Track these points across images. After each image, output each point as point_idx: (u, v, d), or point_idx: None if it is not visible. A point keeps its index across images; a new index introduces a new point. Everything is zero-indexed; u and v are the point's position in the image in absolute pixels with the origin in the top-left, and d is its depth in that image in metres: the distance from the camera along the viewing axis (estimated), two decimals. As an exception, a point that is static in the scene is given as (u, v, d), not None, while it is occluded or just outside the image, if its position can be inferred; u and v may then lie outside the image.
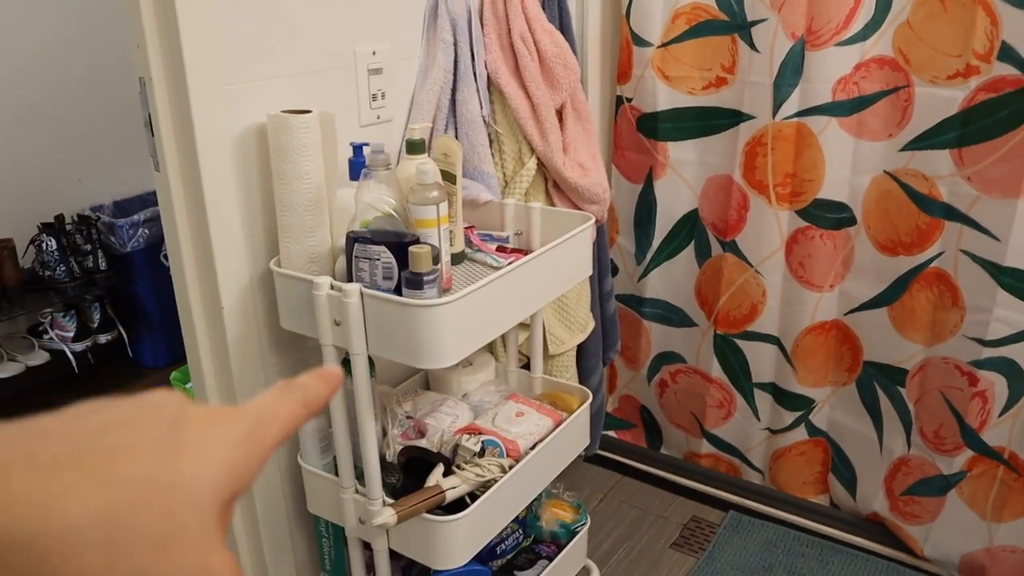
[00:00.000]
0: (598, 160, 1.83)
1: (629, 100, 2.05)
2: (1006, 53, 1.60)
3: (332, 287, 1.19)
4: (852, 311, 1.96)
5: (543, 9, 1.78)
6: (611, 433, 2.46)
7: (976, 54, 1.63)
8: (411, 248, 1.14)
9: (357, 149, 1.33)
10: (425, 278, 1.14)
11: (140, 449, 0.27)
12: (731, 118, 1.94)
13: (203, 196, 1.23)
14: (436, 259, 1.24)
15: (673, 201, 2.09)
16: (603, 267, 2.02)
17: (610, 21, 2.06)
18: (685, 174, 2.06)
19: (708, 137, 2.00)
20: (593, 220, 1.47)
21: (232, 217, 1.28)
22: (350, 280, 1.23)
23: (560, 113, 1.74)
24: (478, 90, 1.57)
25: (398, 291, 1.20)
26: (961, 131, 1.69)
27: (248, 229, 1.31)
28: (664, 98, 2.00)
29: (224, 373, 1.35)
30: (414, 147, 1.39)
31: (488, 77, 1.62)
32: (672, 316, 2.20)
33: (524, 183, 1.67)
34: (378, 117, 1.49)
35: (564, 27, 1.83)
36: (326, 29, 1.36)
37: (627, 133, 2.10)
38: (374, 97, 1.47)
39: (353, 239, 1.21)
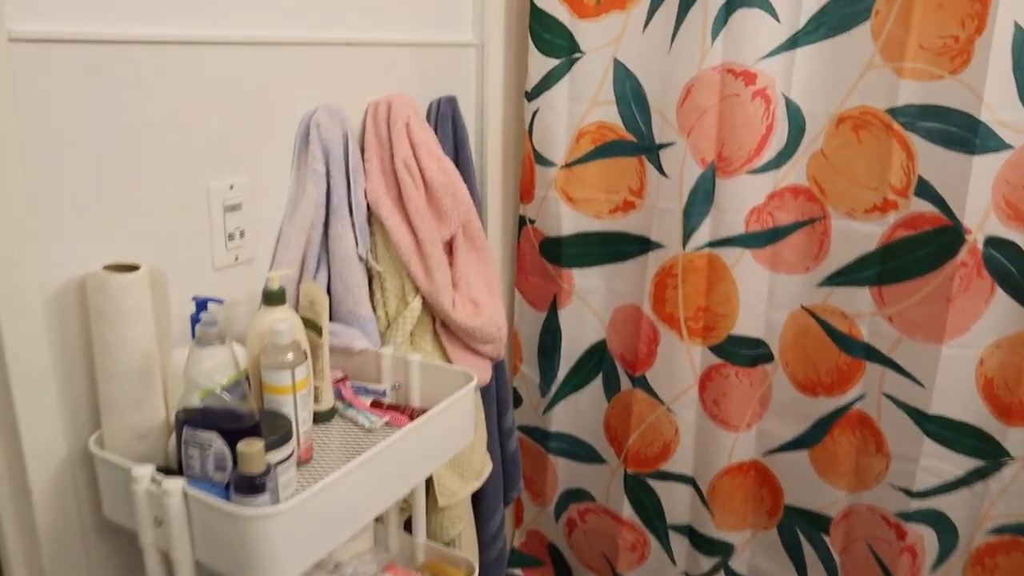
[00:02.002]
0: (495, 292, 1.67)
1: (532, 222, 1.91)
2: (924, 189, 1.50)
3: (153, 479, 0.99)
4: (771, 452, 1.81)
5: (436, 127, 1.63)
6: (517, 572, 2.26)
7: (893, 188, 1.53)
8: (239, 447, 0.94)
9: (201, 305, 1.14)
10: (257, 481, 0.94)
11: None
12: (639, 245, 1.81)
13: (5, 364, 1.02)
14: (285, 438, 1.05)
15: (579, 331, 1.94)
16: (503, 402, 1.85)
17: (513, 136, 1.93)
18: (591, 303, 1.91)
19: (615, 264, 1.86)
20: (475, 381, 1.30)
21: (45, 387, 1.07)
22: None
23: (451, 244, 1.58)
24: (353, 224, 1.40)
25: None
26: (880, 268, 1.58)
27: (67, 399, 1.10)
28: (568, 222, 1.86)
29: (35, 567, 1.13)
30: (272, 298, 1.21)
31: (369, 208, 1.46)
32: (579, 452, 2.03)
33: (408, 325, 1.50)
34: (236, 258, 1.30)
35: (459, 144, 1.68)
36: (171, 162, 1.17)
37: (530, 257, 1.94)
38: (231, 236, 1.28)
39: (182, 420, 1.02)
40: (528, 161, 1.86)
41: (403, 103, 1.48)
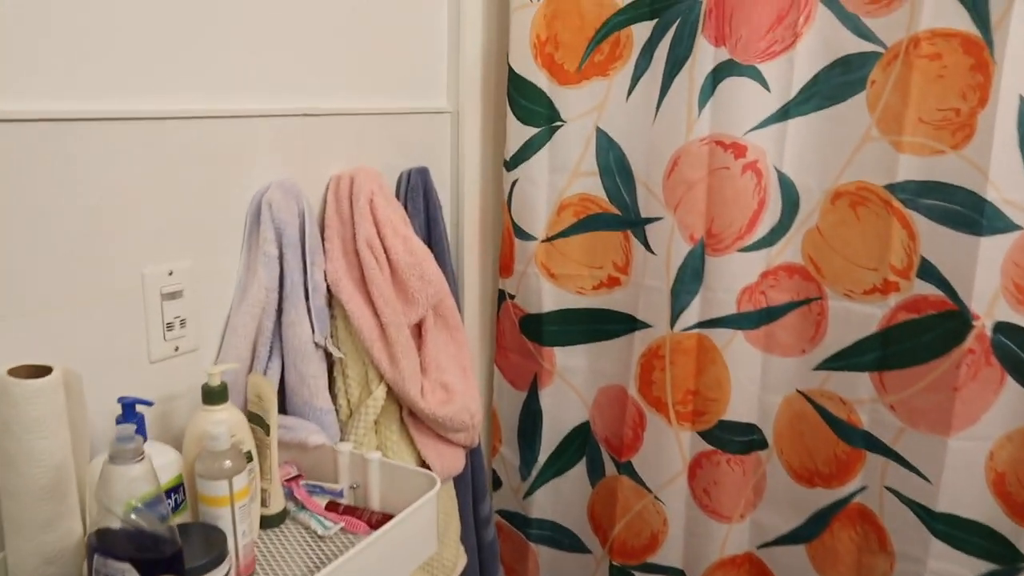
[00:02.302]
0: (469, 375, 1.55)
1: (512, 297, 1.80)
2: (927, 271, 1.40)
3: (59, 617, 0.87)
4: (766, 544, 1.69)
5: (406, 201, 1.54)
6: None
7: (894, 269, 1.42)
8: (151, 589, 0.83)
9: (127, 408, 1.03)
10: (171, 628, 0.82)
11: None
12: (625, 324, 1.70)
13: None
14: (218, 560, 0.94)
15: (561, 412, 1.82)
16: (479, 489, 1.73)
17: (491, 207, 1.83)
18: (574, 382, 1.79)
19: (600, 343, 1.75)
20: (438, 486, 1.19)
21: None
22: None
23: (420, 325, 1.47)
24: (310, 310, 1.29)
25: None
26: (882, 353, 1.47)
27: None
28: (550, 298, 1.75)
29: None
30: (211, 396, 1.10)
31: (329, 290, 1.35)
32: (562, 540, 1.90)
33: (371, 415, 1.38)
34: (176, 349, 1.19)
35: (431, 219, 1.59)
36: (102, 246, 1.07)
37: (510, 333, 1.83)
38: (170, 326, 1.18)
39: (92, 546, 0.90)
40: (507, 234, 1.76)
41: (367, 177, 1.39)
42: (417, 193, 1.56)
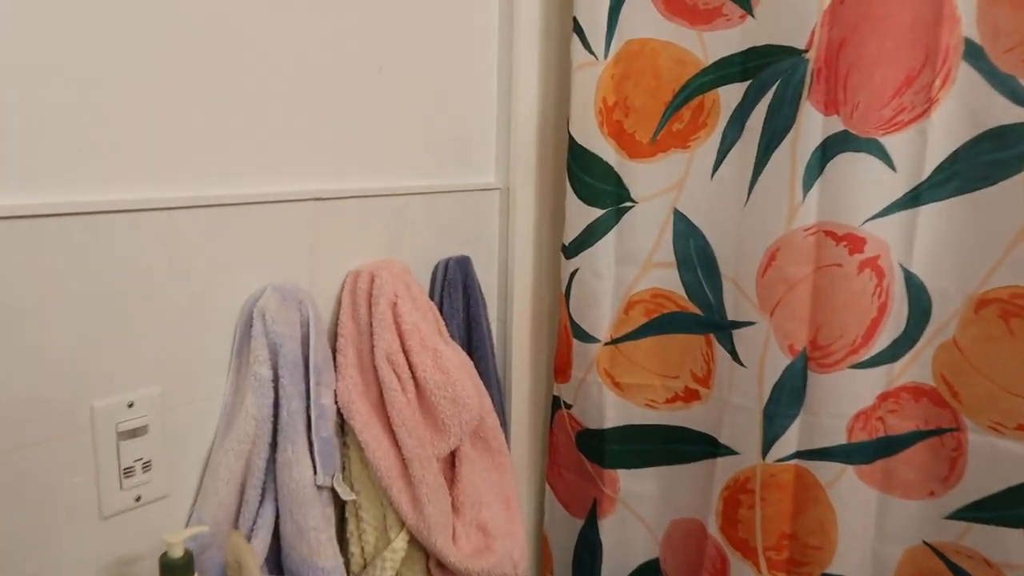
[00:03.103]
0: (514, 509, 1.27)
1: (568, 406, 1.51)
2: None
3: None
4: None
5: (441, 299, 1.27)
6: None
7: (1060, 399, 1.11)
8: None
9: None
10: None
11: None
12: (705, 446, 1.40)
13: None
14: None
15: (625, 547, 1.51)
16: (526, 642, 1.42)
17: (548, 299, 1.55)
18: (641, 512, 1.49)
19: (673, 467, 1.45)
20: None
21: None
22: None
23: (455, 452, 1.20)
24: (311, 445, 1.02)
25: None
26: (1042, 503, 1.15)
27: None
28: (613, 411, 1.45)
29: None
30: (171, 570, 0.83)
31: (340, 414, 1.08)
32: None
33: (388, 570, 1.10)
34: (137, 499, 0.93)
35: (473, 319, 1.32)
36: (30, 375, 0.82)
37: (565, 449, 1.54)
38: (129, 472, 0.91)
39: None
40: (564, 333, 1.48)
41: (391, 274, 1.12)
42: (455, 288, 1.29)
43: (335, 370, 1.10)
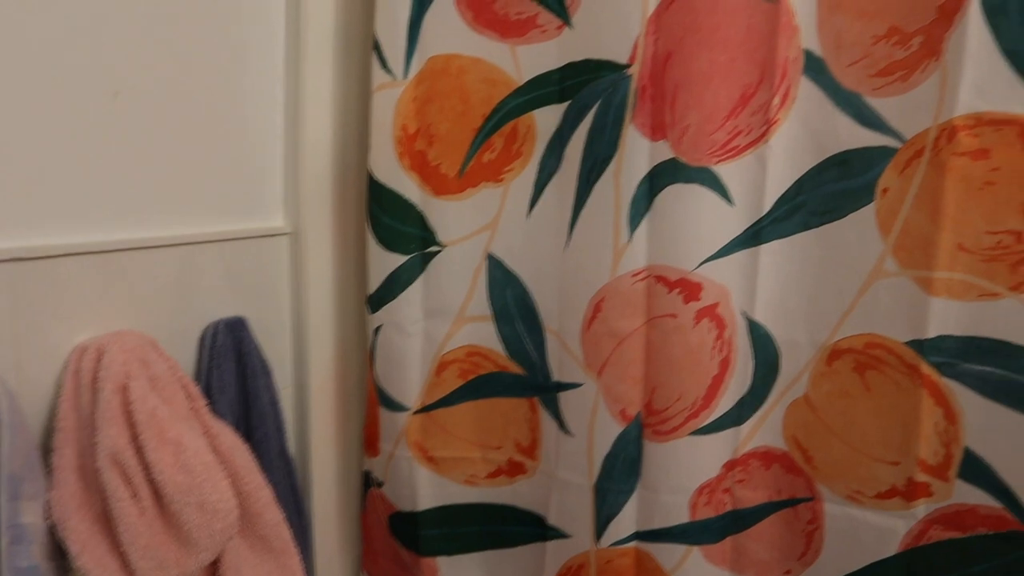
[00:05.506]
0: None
1: (380, 484, 1.28)
2: (973, 469, 0.94)
3: None
4: None
5: (208, 372, 1.03)
6: None
7: (924, 465, 0.96)
8: None
9: None
10: None
11: None
12: (532, 527, 1.20)
13: None
14: None
15: (450, 648, 1.29)
16: None
17: (355, 358, 1.33)
18: (466, 606, 1.27)
19: (499, 551, 1.25)
20: None
21: None
22: None
23: (218, 562, 0.95)
24: (-7, 579, 0.77)
25: None
26: (909, 584, 0.99)
27: None
28: (428, 490, 1.24)
29: None
30: None
31: (52, 536, 0.83)
32: None
33: None
34: None
35: (250, 392, 1.10)
36: None
37: (378, 533, 1.31)
38: None
39: None
40: (371, 400, 1.25)
41: (122, 350, 0.88)
42: (225, 358, 1.06)
43: (50, 475, 0.85)
